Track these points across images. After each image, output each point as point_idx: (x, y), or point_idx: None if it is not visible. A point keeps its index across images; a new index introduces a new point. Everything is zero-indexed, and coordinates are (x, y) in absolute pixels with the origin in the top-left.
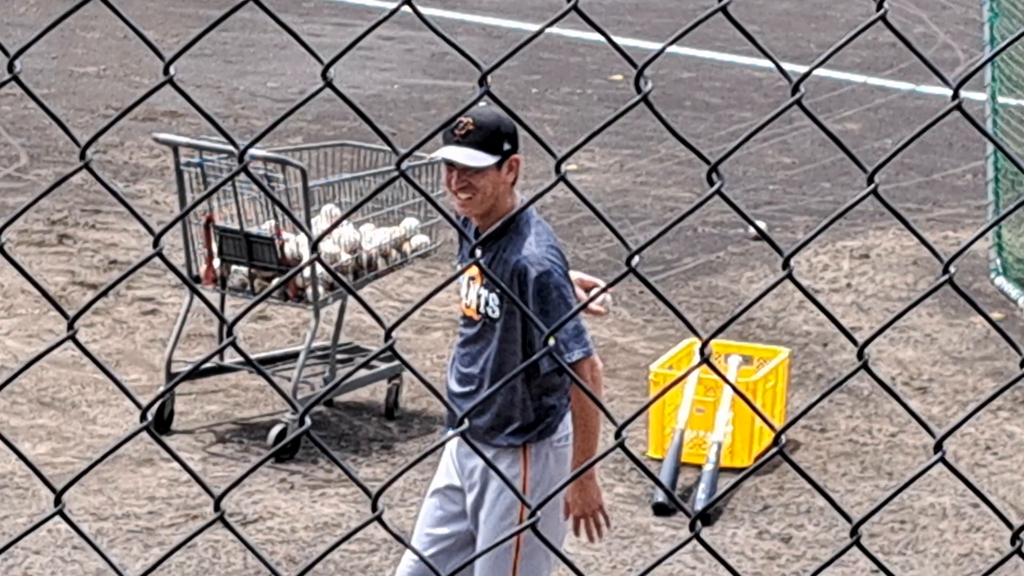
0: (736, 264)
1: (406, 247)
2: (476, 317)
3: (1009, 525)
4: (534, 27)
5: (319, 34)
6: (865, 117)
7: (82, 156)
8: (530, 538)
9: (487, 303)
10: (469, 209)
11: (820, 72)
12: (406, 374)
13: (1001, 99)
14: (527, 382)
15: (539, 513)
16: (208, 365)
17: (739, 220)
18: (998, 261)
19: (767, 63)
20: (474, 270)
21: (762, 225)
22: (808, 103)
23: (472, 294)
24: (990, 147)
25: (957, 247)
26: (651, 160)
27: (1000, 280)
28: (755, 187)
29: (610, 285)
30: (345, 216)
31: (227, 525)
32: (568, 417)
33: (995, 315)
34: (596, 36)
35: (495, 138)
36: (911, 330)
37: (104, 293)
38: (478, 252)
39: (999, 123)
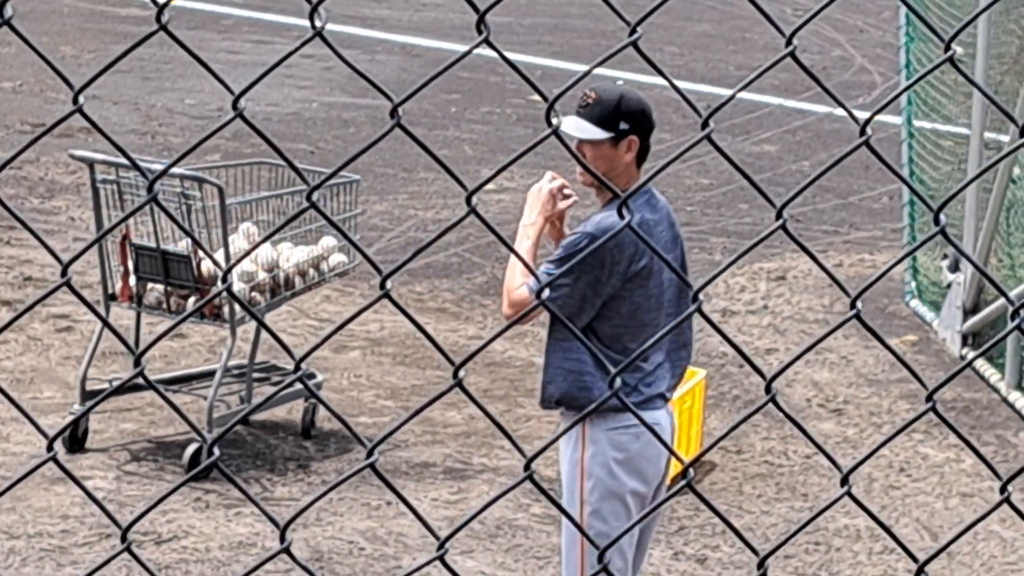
0: None
1: (324, 266)
2: None
3: (914, 559)
4: (453, 46)
5: (238, 51)
6: (783, 139)
7: None
8: (591, 524)
9: None
10: (584, 179)
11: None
12: (323, 392)
13: (917, 123)
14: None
15: (595, 503)
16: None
17: None
18: (913, 284)
19: (687, 84)
20: None
21: None
22: (725, 125)
23: None
24: (906, 171)
25: (873, 269)
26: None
27: (915, 303)
28: (673, 208)
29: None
30: (256, 246)
31: (135, 557)
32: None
33: (910, 337)
34: (516, 55)
35: (612, 115)
36: (827, 352)
37: (6, 327)
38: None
39: (914, 147)
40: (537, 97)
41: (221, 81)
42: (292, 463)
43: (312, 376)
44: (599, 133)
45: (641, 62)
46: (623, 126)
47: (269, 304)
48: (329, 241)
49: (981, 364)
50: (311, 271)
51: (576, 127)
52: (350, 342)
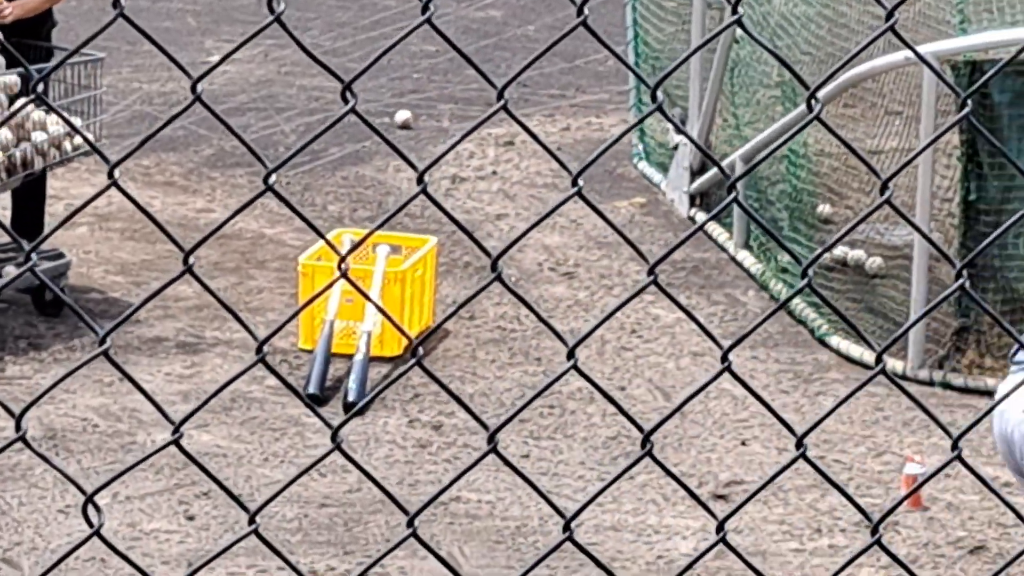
0: (383, 153)
1: (67, 145)
2: None
3: (640, 428)
4: None
5: None
6: (507, 4)
7: None
8: None
9: None
10: None
11: None
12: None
13: None
14: None
15: None
16: None
17: (385, 109)
18: (640, 146)
19: None
20: None
21: (408, 114)
22: None
23: None
24: (630, 33)
25: (600, 132)
26: (295, 49)
27: (643, 165)
28: (400, 75)
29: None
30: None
31: None
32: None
33: (638, 199)
34: None
35: None
36: (557, 216)
37: None
38: None
39: (639, 8)
40: None
41: (179, 66)
42: (23, 341)
43: (60, 256)
44: None
45: None
46: None
47: (4, 184)
48: (74, 121)
49: (709, 224)
50: (52, 151)
51: None
52: (77, 218)
